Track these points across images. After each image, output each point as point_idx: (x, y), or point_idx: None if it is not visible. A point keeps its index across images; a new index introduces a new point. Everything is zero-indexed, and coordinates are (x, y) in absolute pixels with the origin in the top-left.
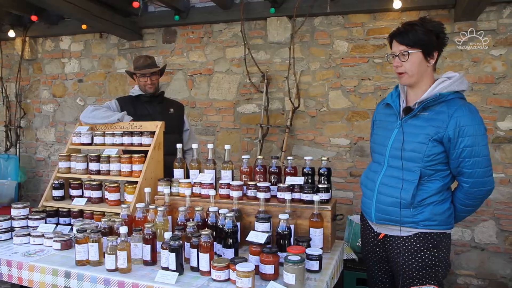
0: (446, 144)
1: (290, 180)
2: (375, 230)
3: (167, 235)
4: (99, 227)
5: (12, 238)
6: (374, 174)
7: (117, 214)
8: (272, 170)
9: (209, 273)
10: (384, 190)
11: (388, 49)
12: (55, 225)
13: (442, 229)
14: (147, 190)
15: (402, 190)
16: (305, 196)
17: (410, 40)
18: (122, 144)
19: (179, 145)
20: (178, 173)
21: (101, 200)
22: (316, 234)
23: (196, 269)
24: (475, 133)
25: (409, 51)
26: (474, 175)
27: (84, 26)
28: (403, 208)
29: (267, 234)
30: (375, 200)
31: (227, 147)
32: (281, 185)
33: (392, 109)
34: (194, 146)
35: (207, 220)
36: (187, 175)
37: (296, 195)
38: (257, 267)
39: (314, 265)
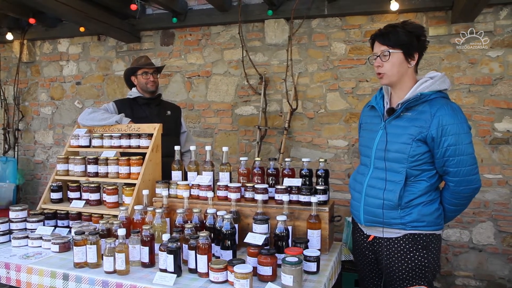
0: (430, 144)
1: (288, 182)
2: (365, 232)
3: (165, 237)
4: (97, 229)
5: (10, 240)
6: (362, 177)
7: (115, 216)
8: (270, 172)
9: (207, 274)
10: (371, 192)
11: None
12: (53, 227)
13: (431, 230)
14: (145, 192)
15: (386, 191)
16: (303, 198)
17: (391, 40)
18: (120, 146)
19: (177, 147)
20: (176, 175)
21: (99, 202)
22: (314, 236)
23: (194, 270)
24: (458, 131)
25: (390, 51)
26: (459, 174)
27: (82, 29)
28: (390, 209)
29: (265, 236)
30: (363, 202)
31: (225, 149)
32: (279, 186)
33: (377, 111)
34: (192, 148)
35: (205, 222)
36: (185, 177)
37: (294, 197)
38: (255, 268)
39: (312, 267)
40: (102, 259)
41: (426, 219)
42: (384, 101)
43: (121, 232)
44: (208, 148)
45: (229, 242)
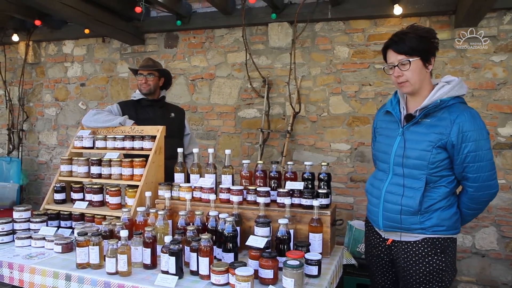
0: (450, 150)
1: (290, 185)
2: (383, 236)
3: (167, 239)
4: (100, 230)
5: (13, 240)
6: (380, 182)
7: (118, 217)
8: (272, 175)
9: (208, 277)
10: (390, 198)
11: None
12: (56, 228)
13: (450, 234)
14: (147, 194)
15: (404, 197)
16: (304, 201)
17: (408, 47)
18: (123, 148)
19: (180, 150)
20: (178, 177)
21: (102, 203)
22: (316, 239)
23: (195, 273)
24: (478, 138)
25: (410, 60)
26: (478, 180)
27: (87, 31)
28: (410, 215)
29: (266, 239)
30: (381, 208)
31: (227, 151)
32: (281, 190)
33: (393, 116)
34: (195, 150)
35: (207, 224)
36: (187, 179)
37: (296, 200)
38: (256, 271)
39: (313, 270)
40: (105, 260)
41: (446, 223)
42: (400, 106)
43: (124, 233)
44: (210, 150)
45: (230, 245)
